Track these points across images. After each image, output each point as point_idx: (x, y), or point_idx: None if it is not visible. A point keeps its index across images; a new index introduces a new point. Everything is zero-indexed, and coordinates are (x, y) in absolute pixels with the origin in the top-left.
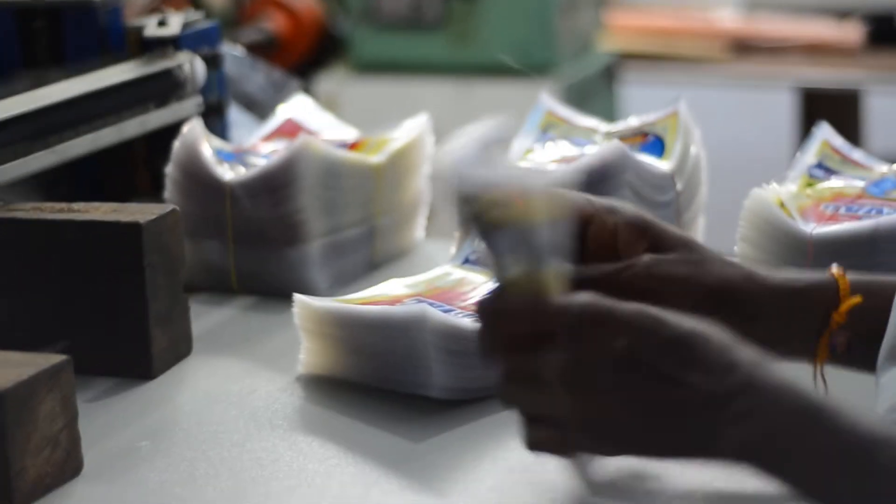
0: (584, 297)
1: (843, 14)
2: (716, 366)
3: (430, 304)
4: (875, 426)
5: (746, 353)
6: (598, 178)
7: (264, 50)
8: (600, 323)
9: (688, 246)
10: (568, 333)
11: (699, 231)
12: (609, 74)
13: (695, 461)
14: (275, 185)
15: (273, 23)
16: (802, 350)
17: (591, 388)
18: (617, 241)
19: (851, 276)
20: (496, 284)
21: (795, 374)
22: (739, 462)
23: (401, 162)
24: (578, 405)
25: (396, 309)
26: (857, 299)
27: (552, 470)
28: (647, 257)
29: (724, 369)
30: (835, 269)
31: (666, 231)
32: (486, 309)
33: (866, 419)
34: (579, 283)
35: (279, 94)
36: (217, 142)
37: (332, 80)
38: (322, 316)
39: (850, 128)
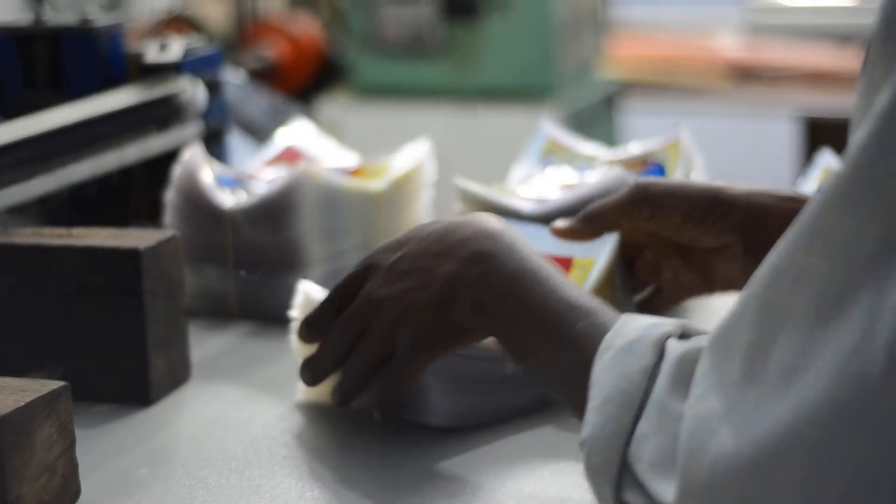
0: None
1: (845, 40)
2: (449, 243)
3: None
4: (576, 296)
5: (479, 224)
6: None
7: (265, 75)
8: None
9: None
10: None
11: None
12: (609, 102)
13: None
14: (275, 212)
15: (274, 48)
16: None
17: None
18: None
19: None
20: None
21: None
22: (473, 322)
23: (401, 189)
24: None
25: None
26: None
27: (557, 498)
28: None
29: (457, 243)
30: None
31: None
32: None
33: (570, 288)
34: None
35: (280, 120)
36: (217, 167)
37: (334, 105)
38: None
39: None
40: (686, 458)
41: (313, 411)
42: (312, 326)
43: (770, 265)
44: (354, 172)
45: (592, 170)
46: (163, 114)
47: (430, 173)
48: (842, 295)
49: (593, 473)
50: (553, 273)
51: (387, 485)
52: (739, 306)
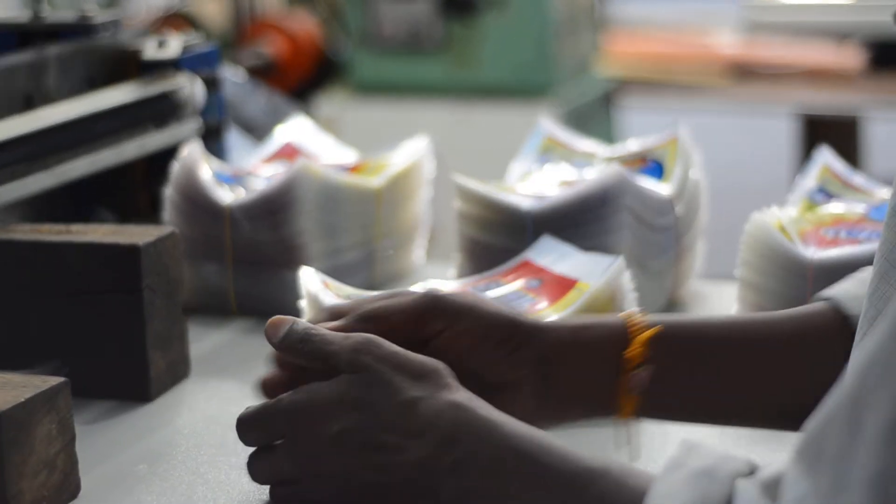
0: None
1: (843, 38)
2: (413, 425)
3: None
4: (586, 459)
5: (445, 397)
6: (598, 202)
7: (263, 73)
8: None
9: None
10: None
11: (699, 255)
12: (608, 99)
13: None
14: (274, 208)
15: (272, 46)
16: (610, 403)
17: (314, 455)
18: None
19: (653, 316)
20: None
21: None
22: None
23: (400, 185)
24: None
25: None
26: (652, 331)
27: None
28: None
29: (424, 425)
30: (625, 314)
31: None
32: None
33: (576, 453)
34: None
35: (278, 117)
36: (216, 164)
37: (332, 102)
38: None
39: (851, 152)
40: None
41: None
42: (266, 384)
43: (863, 359)
44: (353, 169)
45: (591, 167)
46: (161, 111)
47: (428, 170)
48: None
49: None
50: (543, 441)
51: None
52: (831, 405)
